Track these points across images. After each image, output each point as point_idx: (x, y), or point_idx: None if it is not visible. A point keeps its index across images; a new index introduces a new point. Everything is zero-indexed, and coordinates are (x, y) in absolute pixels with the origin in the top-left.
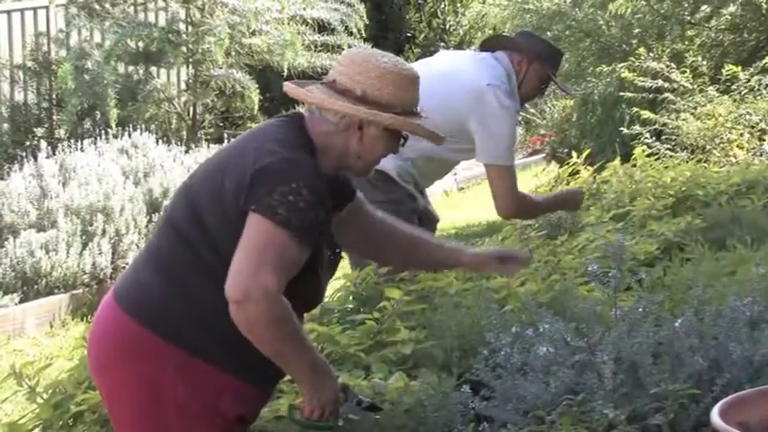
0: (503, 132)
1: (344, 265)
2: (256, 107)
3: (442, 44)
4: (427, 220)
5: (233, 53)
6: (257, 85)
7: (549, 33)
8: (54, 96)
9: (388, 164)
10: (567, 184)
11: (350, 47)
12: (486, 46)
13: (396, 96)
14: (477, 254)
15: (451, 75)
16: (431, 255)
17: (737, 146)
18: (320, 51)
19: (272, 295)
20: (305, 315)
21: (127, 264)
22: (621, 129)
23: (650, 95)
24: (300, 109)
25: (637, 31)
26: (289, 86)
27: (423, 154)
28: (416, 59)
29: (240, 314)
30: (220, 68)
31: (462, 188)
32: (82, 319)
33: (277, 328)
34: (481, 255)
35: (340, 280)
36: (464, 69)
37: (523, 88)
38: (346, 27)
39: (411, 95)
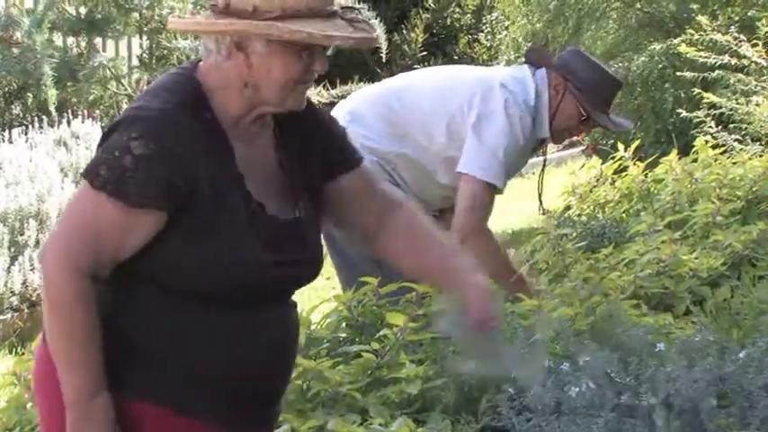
0: (494, 143)
1: (335, 285)
2: None
3: None
4: None
5: None
6: None
7: (585, 7)
8: None
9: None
10: (612, 183)
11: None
12: (531, 59)
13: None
14: (481, 289)
15: (461, 73)
16: (440, 264)
17: None
18: None
19: (50, 267)
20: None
21: None
22: (679, 113)
23: (711, 74)
24: None
25: None
26: (174, 21)
27: (406, 159)
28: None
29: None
30: (184, 39)
31: None
32: (11, 351)
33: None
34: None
35: (330, 302)
36: (480, 69)
37: (557, 118)
38: None
39: None
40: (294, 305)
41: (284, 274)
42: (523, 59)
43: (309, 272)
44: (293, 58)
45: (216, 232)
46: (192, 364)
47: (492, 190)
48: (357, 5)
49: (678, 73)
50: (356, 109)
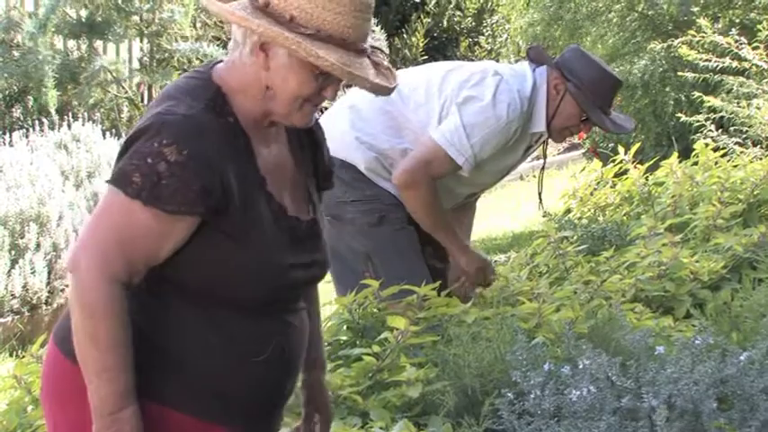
0: (472, 124)
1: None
2: None
3: None
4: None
5: (198, 23)
6: None
7: (583, 9)
8: None
9: (358, 156)
10: (613, 186)
11: None
12: (532, 56)
13: (318, 16)
14: (318, 398)
15: (459, 65)
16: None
17: None
18: None
19: (84, 274)
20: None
21: (66, 286)
22: (679, 117)
23: (713, 77)
24: None
25: None
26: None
27: (404, 153)
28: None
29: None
30: (185, 41)
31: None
32: (11, 354)
33: None
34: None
35: (331, 305)
36: (479, 62)
37: (557, 118)
38: None
39: (337, 17)
40: (305, 308)
41: (302, 275)
42: (525, 57)
43: (321, 272)
44: (309, 77)
45: (245, 235)
46: (214, 371)
47: (452, 163)
48: (382, 48)
49: (679, 73)
50: (356, 103)
